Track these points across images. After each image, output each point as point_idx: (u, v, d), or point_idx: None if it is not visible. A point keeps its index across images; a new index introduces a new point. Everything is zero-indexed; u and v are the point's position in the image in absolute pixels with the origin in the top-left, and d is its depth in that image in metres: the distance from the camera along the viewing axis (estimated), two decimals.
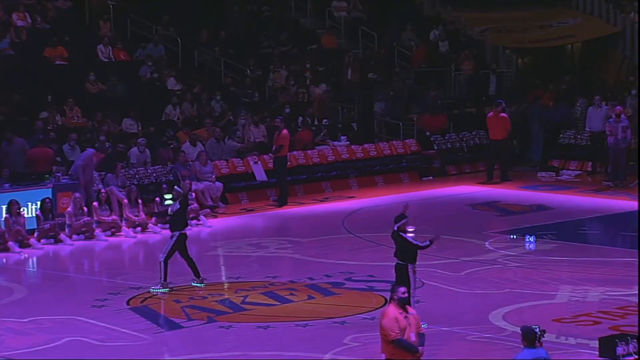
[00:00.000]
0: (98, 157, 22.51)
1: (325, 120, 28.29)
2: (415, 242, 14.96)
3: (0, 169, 22.28)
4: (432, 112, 28.88)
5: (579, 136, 28.18)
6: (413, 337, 11.27)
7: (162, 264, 17.16)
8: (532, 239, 21.07)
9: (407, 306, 11.44)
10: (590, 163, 27.81)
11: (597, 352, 13.60)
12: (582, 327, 15.08)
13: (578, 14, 33.24)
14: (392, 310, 11.32)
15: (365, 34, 31.74)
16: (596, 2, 32.83)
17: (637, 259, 17.91)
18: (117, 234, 21.59)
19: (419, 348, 11.29)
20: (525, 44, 32.73)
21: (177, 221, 17.38)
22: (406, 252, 14.95)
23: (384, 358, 11.41)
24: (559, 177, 27.31)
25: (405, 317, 11.29)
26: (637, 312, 15.18)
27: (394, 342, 11.19)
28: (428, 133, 28.43)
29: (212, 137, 25.79)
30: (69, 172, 22.27)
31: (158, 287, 17.16)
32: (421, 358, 11.36)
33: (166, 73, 27.92)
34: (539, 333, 10.81)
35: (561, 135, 28.46)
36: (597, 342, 13.80)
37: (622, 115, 25.95)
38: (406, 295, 11.40)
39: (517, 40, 32.70)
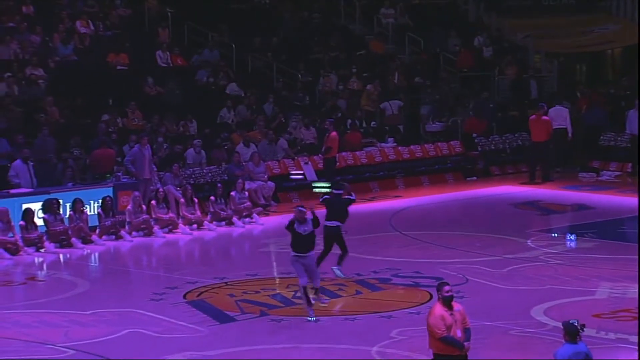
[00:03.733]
0: (144, 145, 22.58)
1: (373, 123, 28.29)
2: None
3: (63, 169, 22.54)
4: (477, 116, 28.74)
5: (619, 138, 27.95)
6: (459, 334, 11.28)
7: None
8: (572, 237, 20.92)
9: (453, 303, 11.44)
10: (630, 164, 27.57)
11: (637, 347, 13.50)
12: (622, 322, 14.95)
13: (618, 20, 32.95)
14: (438, 308, 11.34)
15: (411, 40, 31.67)
16: (636, 9, 32.53)
17: (637, 256, 17.73)
18: (174, 231, 21.72)
19: (465, 343, 11.29)
20: (567, 49, 32.50)
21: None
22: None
23: (432, 353, 11.43)
24: (599, 178, 27.10)
25: (451, 314, 11.30)
26: (638, 310, 15.01)
27: (440, 339, 11.22)
28: (475, 135, 28.30)
29: (265, 139, 25.87)
30: (124, 161, 22.59)
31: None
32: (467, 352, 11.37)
33: (220, 77, 28.05)
34: (578, 327, 10.73)
35: (601, 138, 28.25)
36: (636, 337, 13.69)
37: None
38: (450, 294, 11.39)
39: (559, 46, 32.48)
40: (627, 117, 27.61)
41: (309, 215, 15.67)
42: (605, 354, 12.77)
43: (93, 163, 23.12)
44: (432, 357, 11.45)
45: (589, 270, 17.93)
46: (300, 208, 15.81)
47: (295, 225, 15.55)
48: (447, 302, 11.36)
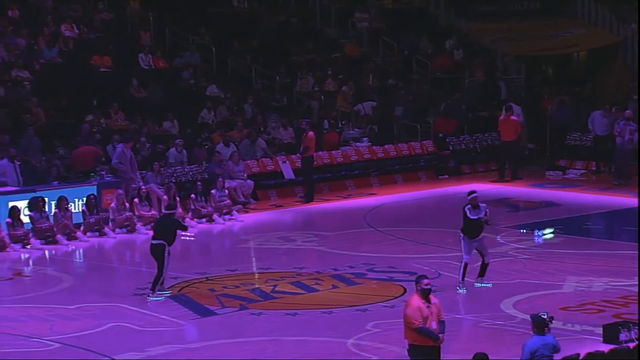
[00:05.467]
0: (128, 146, 22.48)
1: (343, 122, 28.28)
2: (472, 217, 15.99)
3: (48, 168, 22.40)
4: (448, 116, 28.74)
5: (584, 138, 28.08)
6: (434, 326, 11.29)
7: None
8: (540, 233, 20.97)
9: (431, 296, 11.43)
10: (594, 163, 27.70)
11: (601, 338, 13.55)
12: (587, 315, 15.01)
13: (583, 24, 33.06)
14: (416, 300, 11.33)
15: (385, 43, 31.68)
16: (600, 13, 32.66)
17: (637, 252, 17.80)
18: None
19: (440, 335, 11.30)
20: (534, 52, 32.59)
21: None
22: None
23: (407, 343, 11.42)
24: (565, 176, 27.19)
25: (428, 306, 11.30)
26: (638, 301, 15.09)
27: (416, 330, 11.21)
28: (442, 135, 28.32)
29: (245, 138, 25.81)
30: (112, 164, 22.42)
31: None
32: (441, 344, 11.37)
33: (203, 80, 27.96)
34: (547, 319, 10.75)
35: (567, 137, 28.37)
36: (601, 328, 13.74)
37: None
38: (429, 287, 11.39)
39: (526, 49, 32.56)
40: (591, 118, 27.70)
41: (483, 204, 16.07)
42: (572, 345, 12.79)
43: (74, 161, 22.98)
44: (407, 347, 11.44)
45: (556, 265, 17.97)
46: (474, 195, 16.02)
47: (467, 211, 15.88)
48: (425, 295, 11.36)
